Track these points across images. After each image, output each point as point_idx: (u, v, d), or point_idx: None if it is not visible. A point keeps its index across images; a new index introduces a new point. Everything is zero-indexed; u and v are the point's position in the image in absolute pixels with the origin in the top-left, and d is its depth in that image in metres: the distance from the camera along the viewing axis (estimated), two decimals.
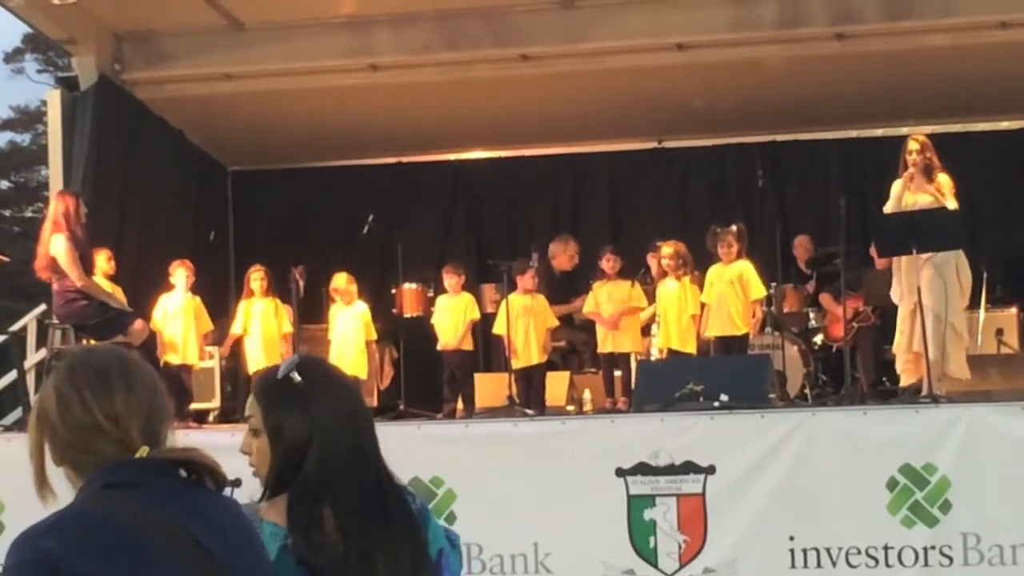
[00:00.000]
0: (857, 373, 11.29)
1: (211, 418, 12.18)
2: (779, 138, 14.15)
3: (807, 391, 11.63)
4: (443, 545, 2.98)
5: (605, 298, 11.30)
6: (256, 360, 11.46)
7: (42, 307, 11.73)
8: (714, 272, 10.98)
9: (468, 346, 11.69)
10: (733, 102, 12.79)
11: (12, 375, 11.41)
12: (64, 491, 2.48)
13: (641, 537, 8.61)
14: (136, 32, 12.58)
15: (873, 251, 10.09)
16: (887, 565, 8.29)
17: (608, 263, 11.40)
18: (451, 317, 11.63)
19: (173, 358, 11.20)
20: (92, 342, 9.95)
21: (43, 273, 10.22)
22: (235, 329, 11.79)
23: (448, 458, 8.94)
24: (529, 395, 10.97)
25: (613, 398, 11.17)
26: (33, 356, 11.90)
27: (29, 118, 33.31)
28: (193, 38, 12.51)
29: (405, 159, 14.85)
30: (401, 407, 11.48)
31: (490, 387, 11.15)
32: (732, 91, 12.57)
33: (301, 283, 11.60)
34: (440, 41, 12.17)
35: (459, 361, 11.60)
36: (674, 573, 8.56)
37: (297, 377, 2.86)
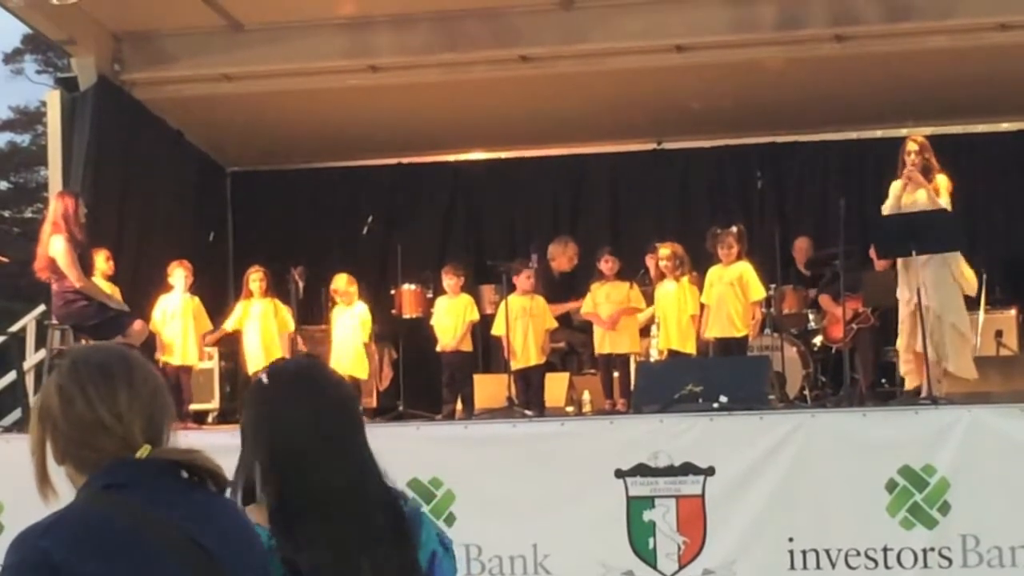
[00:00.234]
0: (856, 374, 11.29)
1: (210, 419, 12.18)
2: (778, 139, 14.15)
3: (806, 392, 11.63)
4: (436, 548, 2.96)
5: (603, 299, 11.30)
6: (255, 361, 11.45)
7: (41, 308, 11.73)
8: (714, 273, 10.98)
9: (467, 347, 11.69)
10: (732, 103, 12.79)
11: (11, 376, 11.41)
12: (65, 490, 2.48)
13: (640, 538, 8.60)
14: (135, 33, 12.58)
15: (872, 252, 10.09)
16: (886, 567, 8.29)
17: (606, 264, 11.40)
18: (450, 318, 11.63)
19: (172, 359, 11.20)
20: (92, 343, 9.94)
21: (42, 274, 10.22)
22: (227, 326, 11.76)
23: (447, 459, 8.94)
24: (528, 396, 10.97)
25: (612, 399, 11.17)
26: (32, 357, 11.90)
27: (29, 119, 33.31)
28: (192, 39, 12.51)
29: (405, 160, 14.84)
30: (400, 408, 11.49)
31: (489, 388, 11.16)
32: (731, 92, 12.58)
33: (300, 284, 11.62)
34: (440, 42, 12.17)
35: (458, 362, 11.60)
36: (673, 574, 8.56)
37: (265, 380, 2.88)
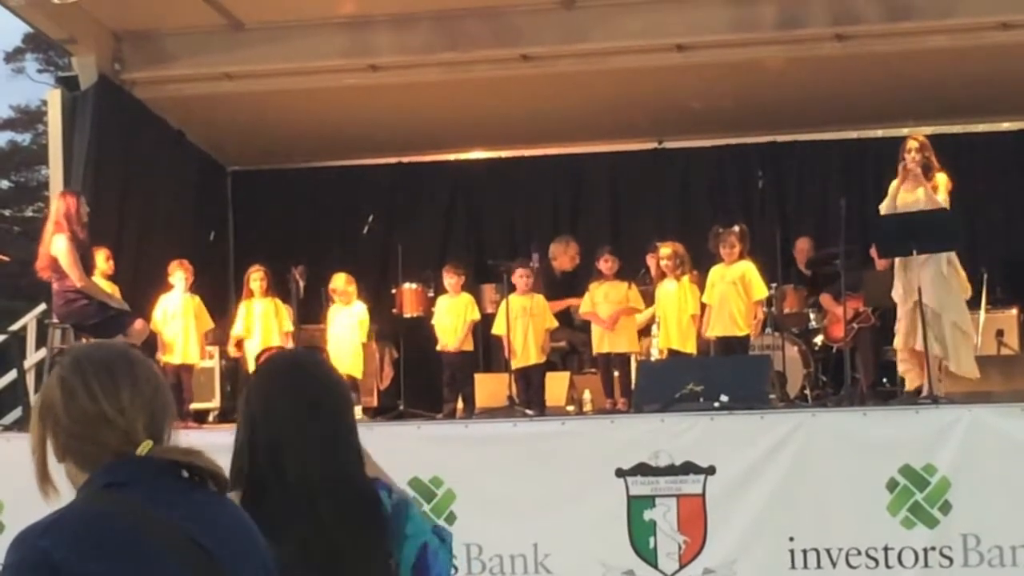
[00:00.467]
0: (857, 374, 11.29)
1: (211, 418, 12.19)
2: (779, 139, 14.14)
3: (807, 392, 11.63)
4: (428, 540, 2.98)
5: (602, 298, 11.31)
6: (255, 360, 11.45)
7: (42, 307, 11.74)
8: (716, 272, 10.98)
9: (468, 346, 11.68)
10: (733, 103, 12.79)
11: (12, 375, 11.42)
12: (66, 488, 2.48)
13: (641, 538, 8.60)
14: (136, 32, 12.58)
15: (873, 252, 10.09)
16: (887, 566, 8.29)
17: (605, 264, 11.40)
18: (451, 317, 11.63)
19: (172, 358, 11.20)
20: (93, 341, 9.94)
21: (44, 273, 10.22)
22: (237, 331, 11.78)
23: (448, 458, 8.94)
24: (529, 395, 10.97)
25: (613, 398, 11.17)
26: (33, 356, 11.91)
27: (29, 118, 33.30)
28: (193, 38, 12.51)
29: (405, 159, 14.84)
30: (401, 407, 11.49)
31: (490, 387, 11.16)
32: (732, 92, 12.57)
33: (301, 283, 11.63)
34: (440, 41, 12.17)
35: (459, 361, 11.59)
36: (674, 574, 8.56)
37: (256, 368, 3.02)
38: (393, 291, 12.55)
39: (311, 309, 12.13)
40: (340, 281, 11.85)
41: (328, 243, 14.06)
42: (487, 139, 14.40)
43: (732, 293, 10.83)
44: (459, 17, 12.07)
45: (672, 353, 11.00)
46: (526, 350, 11.16)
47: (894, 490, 8.32)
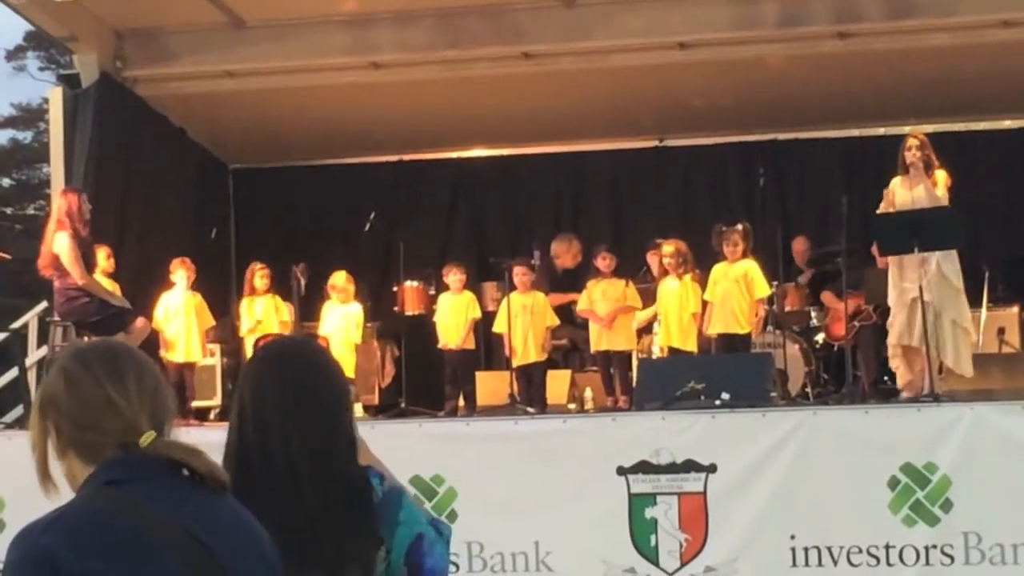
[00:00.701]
0: (858, 372, 11.28)
1: (212, 415, 12.19)
2: (780, 137, 14.13)
3: (808, 390, 11.62)
4: (424, 530, 2.98)
5: (599, 296, 11.33)
6: (253, 346, 11.45)
7: (43, 305, 11.74)
8: (719, 270, 10.98)
9: (470, 344, 11.69)
10: (734, 101, 12.78)
11: (13, 372, 11.42)
12: (67, 485, 2.48)
13: (642, 535, 8.61)
14: (137, 29, 12.58)
15: (875, 250, 10.08)
16: (888, 564, 8.29)
17: (603, 261, 11.42)
18: (452, 315, 11.63)
19: (174, 356, 11.21)
20: (94, 339, 9.95)
21: (46, 271, 10.22)
22: (247, 326, 11.75)
23: (449, 456, 8.95)
24: (530, 393, 10.97)
25: (614, 396, 11.17)
26: (34, 354, 11.90)
27: (31, 115, 33.30)
28: (194, 35, 12.51)
29: (407, 157, 14.83)
30: (402, 405, 11.48)
31: (491, 385, 11.16)
32: (733, 90, 12.57)
33: (302, 281, 11.63)
34: (442, 39, 12.17)
35: (460, 359, 11.60)
36: (675, 572, 8.56)
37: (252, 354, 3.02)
38: (394, 289, 12.55)
39: (312, 307, 12.13)
40: (340, 279, 11.84)
41: (329, 241, 14.05)
42: (489, 137, 14.40)
43: (734, 291, 10.84)
44: (461, 15, 12.07)
45: (673, 351, 11.01)
46: (526, 348, 11.17)
47: (895, 488, 8.32)
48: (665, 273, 11.20)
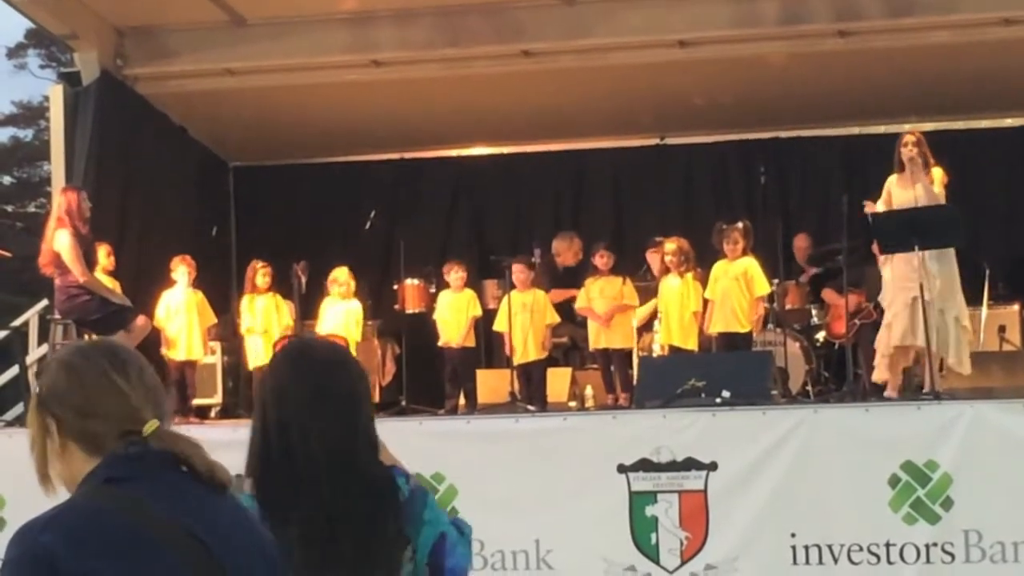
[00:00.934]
0: (859, 370, 11.27)
1: (212, 414, 12.19)
2: (781, 135, 14.13)
3: (809, 388, 11.61)
4: (446, 530, 2.99)
5: (597, 294, 11.35)
6: (256, 356, 11.46)
7: (44, 303, 11.74)
8: (719, 268, 10.98)
9: (470, 342, 11.68)
10: (735, 99, 12.78)
11: (14, 370, 11.42)
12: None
13: (643, 533, 8.61)
14: (138, 27, 12.58)
15: (876, 248, 10.08)
16: (889, 562, 8.30)
17: (601, 259, 11.44)
18: (453, 313, 11.63)
19: (176, 354, 11.20)
20: (95, 338, 9.95)
21: (47, 269, 10.22)
22: (247, 324, 11.71)
23: (450, 454, 8.94)
24: (530, 391, 10.97)
25: (614, 394, 11.18)
26: (35, 352, 11.90)
27: (32, 113, 33.29)
28: (195, 33, 12.51)
29: (407, 155, 14.83)
30: (403, 403, 11.49)
31: (491, 383, 11.17)
32: (734, 88, 12.57)
33: (303, 279, 11.61)
34: (442, 37, 12.17)
35: (461, 357, 11.60)
36: (676, 570, 8.56)
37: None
38: (395, 287, 12.56)
39: (312, 305, 12.13)
40: (343, 274, 11.79)
41: (330, 239, 14.05)
42: (489, 135, 14.40)
43: (734, 289, 10.83)
44: (461, 13, 12.07)
45: (674, 349, 11.01)
46: (526, 346, 11.16)
47: (896, 486, 8.32)
48: (667, 271, 11.19)
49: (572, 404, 11.30)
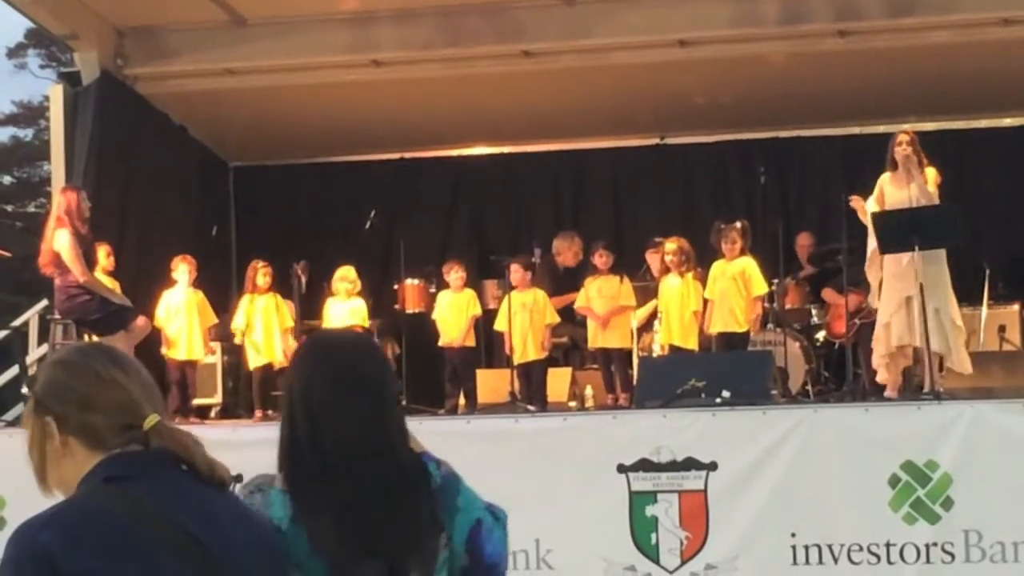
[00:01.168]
0: (859, 370, 11.28)
1: (213, 414, 12.19)
2: (781, 135, 14.14)
3: (809, 388, 11.61)
4: (482, 516, 2.98)
5: (595, 293, 11.36)
6: (257, 356, 11.45)
7: (44, 302, 11.73)
8: (717, 268, 10.98)
9: (470, 342, 11.68)
10: (735, 98, 12.78)
11: (14, 370, 11.42)
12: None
13: (643, 533, 8.60)
14: (138, 27, 12.58)
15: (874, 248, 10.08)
16: (889, 562, 8.29)
17: (600, 259, 11.45)
18: (453, 313, 11.63)
19: (176, 354, 11.20)
20: (95, 337, 9.96)
21: (47, 268, 10.22)
22: (238, 324, 11.69)
23: (449, 454, 8.77)
24: (530, 391, 10.97)
25: (614, 394, 11.18)
26: (35, 352, 11.91)
27: (32, 113, 33.29)
28: (195, 33, 12.52)
29: (407, 155, 14.84)
30: (403, 403, 11.48)
31: (492, 383, 11.17)
32: (734, 87, 12.57)
33: (303, 279, 11.60)
34: (442, 37, 12.17)
35: (461, 357, 11.60)
36: (676, 569, 8.56)
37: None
38: (395, 287, 12.56)
39: (313, 305, 12.13)
40: (351, 272, 11.77)
41: (330, 239, 14.05)
42: (489, 135, 14.41)
43: (732, 289, 10.84)
44: (461, 13, 12.07)
45: (674, 349, 11.01)
46: (526, 346, 11.16)
47: (896, 486, 8.32)
48: (667, 271, 11.19)
49: (572, 404, 11.29)
